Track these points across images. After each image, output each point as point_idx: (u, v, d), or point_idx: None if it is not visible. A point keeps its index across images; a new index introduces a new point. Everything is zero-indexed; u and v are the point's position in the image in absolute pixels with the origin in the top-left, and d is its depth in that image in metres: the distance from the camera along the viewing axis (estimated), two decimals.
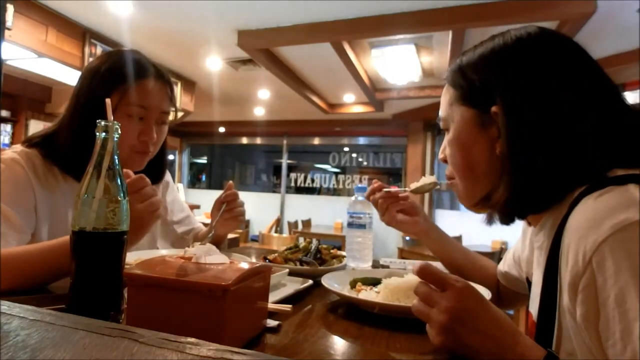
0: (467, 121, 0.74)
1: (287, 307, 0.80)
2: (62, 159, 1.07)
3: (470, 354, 0.60)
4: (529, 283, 0.86)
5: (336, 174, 8.48)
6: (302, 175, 8.57)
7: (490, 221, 0.78)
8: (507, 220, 0.75)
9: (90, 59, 3.60)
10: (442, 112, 0.81)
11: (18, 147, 1.08)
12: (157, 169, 1.25)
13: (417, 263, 0.66)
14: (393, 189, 1.15)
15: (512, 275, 1.00)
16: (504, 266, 1.04)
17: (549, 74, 0.67)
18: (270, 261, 1.17)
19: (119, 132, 0.67)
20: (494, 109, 0.69)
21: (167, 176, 1.45)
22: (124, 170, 1.01)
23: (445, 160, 0.83)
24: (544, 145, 0.65)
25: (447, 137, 0.80)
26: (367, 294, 0.90)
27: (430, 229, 1.14)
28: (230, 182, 1.32)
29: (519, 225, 0.84)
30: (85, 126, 1.03)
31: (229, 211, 1.30)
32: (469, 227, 5.24)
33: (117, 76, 1.07)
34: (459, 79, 0.76)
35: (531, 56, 0.69)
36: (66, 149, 1.06)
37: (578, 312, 0.55)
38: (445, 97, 0.80)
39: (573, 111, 0.65)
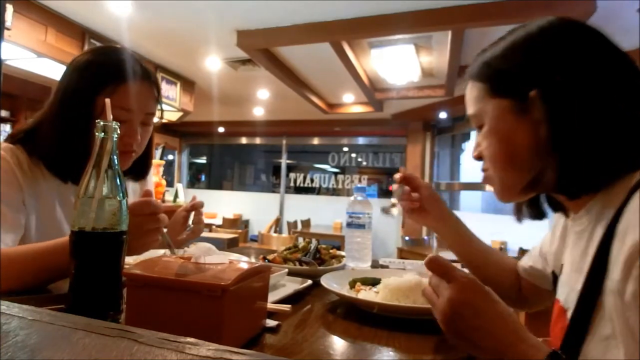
0: (503, 111, 0.74)
1: (286, 307, 0.80)
2: (46, 156, 1.06)
3: (469, 347, 0.61)
4: (555, 277, 0.85)
5: (335, 174, 8.48)
6: (302, 175, 8.57)
7: (519, 217, 0.78)
8: (538, 214, 0.76)
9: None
10: (471, 110, 0.81)
11: (2, 144, 1.08)
12: (141, 167, 1.26)
13: (429, 255, 0.67)
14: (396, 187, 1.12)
15: (537, 269, 0.98)
16: (528, 261, 1.01)
17: (583, 53, 0.68)
18: (269, 261, 1.17)
19: (118, 132, 0.67)
20: (532, 94, 0.68)
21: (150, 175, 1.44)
22: (146, 189, 1.02)
23: (479, 158, 0.82)
24: (589, 124, 0.65)
25: (482, 132, 0.79)
26: (366, 294, 0.90)
27: (445, 219, 1.10)
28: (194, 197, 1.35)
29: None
30: (69, 124, 1.04)
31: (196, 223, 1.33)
32: (468, 227, 5.24)
33: (104, 77, 1.05)
34: (488, 72, 0.76)
35: (562, 38, 0.70)
36: (50, 147, 1.06)
37: (629, 289, 0.54)
38: (472, 93, 0.80)
39: (610, 88, 0.65)
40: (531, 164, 0.71)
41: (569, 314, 0.68)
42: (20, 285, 0.85)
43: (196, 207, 1.31)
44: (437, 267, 0.65)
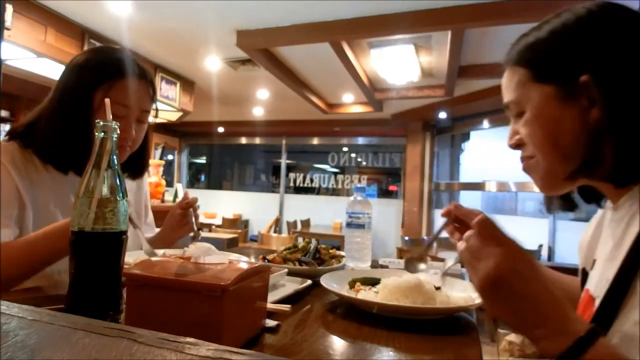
0: (549, 97, 0.71)
1: (286, 307, 0.80)
2: (41, 149, 1.09)
3: (507, 315, 0.59)
4: (585, 275, 0.83)
5: (335, 174, 8.48)
6: (301, 175, 8.57)
7: (550, 209, 0.77)
8: (570, 205, 0.75)
9: None
10: (510, 96, 0.77)
11: None
12: (138, 164, 1.28)
13: (480, 216, 0.64)
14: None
15: None
16: None
17: (635, 37, 0.67)
18: (269, 261, 1.17)
19: (118, 132, 0.67)
20: (583, 78, 0.67)
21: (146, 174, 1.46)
22: None
23: (516, 146, 0.79)
24: None
25: (524, 120, 0.76)
26: (366, 294, 0.90)
27: None
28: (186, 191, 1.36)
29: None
30: (67, 118, 1.08)
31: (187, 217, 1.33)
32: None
33: (102, 74, 1.09)
34: (532, 57, 0.74)
35: (612, 21, 0.69)
36: (46, 140, 1.08)
37: None
38: (513, 79, 0.77)
39: None
40: (578, 151, 0.69)
41: (598, 301, 0.67)
42: (21, 274, 0.89)
43: (191, 204, 1.31)
44: (487, 229, 0.63)
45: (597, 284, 0.71)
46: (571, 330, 0.56)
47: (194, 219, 1.30)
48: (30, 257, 0.91)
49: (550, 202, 0.79)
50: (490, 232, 0.63)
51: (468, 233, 0.65)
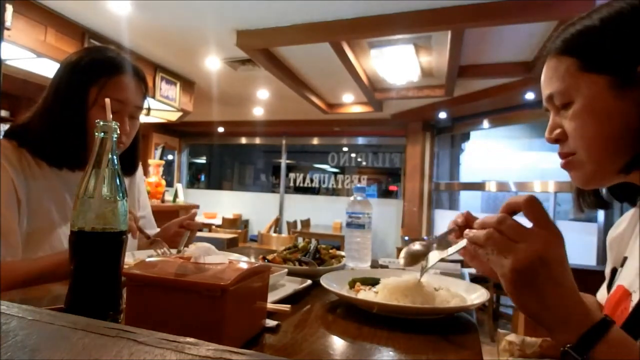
0: (602, 87, 0.68)
1: (286, 307, 0.80)
2: (35, 146, 1.11)
3: (533, 302, 0.59)
4: (613, 274, 0.82)
5: (335, 174, 8.48)
6: (301, 175, 8.57)
7: (581, 207, 0.76)
8: (603, 203, 0.74)
9: None
10: (555, 87, 0.74)
11: None
12: (130, 161, 1.30)
13: (525, 195, 0.63)
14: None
15: None
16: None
17: None
18: (269, 261, 1.17)
19: (118, 132, 0.67)
20: None
21: (140, 170, 1.47)
22: None
23: (556, 141, 0.76)
24: None
25: (571, 111, 0.72)
26: (366, 294, 0.90)
27: None
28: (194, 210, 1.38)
29: None
30: (62, 115, 1.10)
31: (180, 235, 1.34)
32: None
33: (97, 70, 1.13)
34: (583, 46, 0.71)
35: None
36: (41, 136, 1.10)
37: None
38: (559, 69, 0.73)
39: None
40: (631, 143, 0.67)
41: (635, 296, 0.66)
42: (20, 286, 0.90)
43: (191, 227, 1.32)
44: (535, 209, 0.61)
45: (633, 280, 0.70)
46: (591, 317, 0.56)
47: (185, 240, 1.30)
48: (30, 280, 0.95)
49: (582, 201, 0.78)
50: (539, 213, 0.61)
51: (500, 219, 0.62)
